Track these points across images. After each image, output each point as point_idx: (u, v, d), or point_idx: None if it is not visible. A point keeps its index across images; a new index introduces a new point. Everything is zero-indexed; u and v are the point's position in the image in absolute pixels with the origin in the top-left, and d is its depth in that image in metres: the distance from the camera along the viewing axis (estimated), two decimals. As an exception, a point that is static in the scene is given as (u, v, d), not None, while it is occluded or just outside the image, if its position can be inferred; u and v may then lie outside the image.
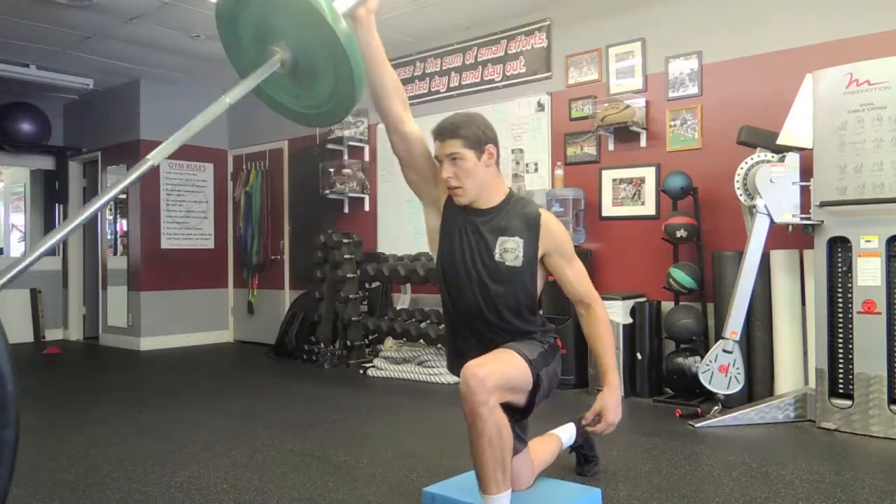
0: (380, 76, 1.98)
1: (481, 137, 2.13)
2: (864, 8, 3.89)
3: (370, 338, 5.87)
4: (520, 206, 2.19)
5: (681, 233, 4.22)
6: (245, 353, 6.84)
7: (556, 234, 2.16)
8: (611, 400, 2.13)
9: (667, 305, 4.41)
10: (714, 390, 3.66)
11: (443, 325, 5.05)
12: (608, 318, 2.22)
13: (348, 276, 5.78)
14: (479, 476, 1.98)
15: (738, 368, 3.63)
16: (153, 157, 1.47)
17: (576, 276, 2.18)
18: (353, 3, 1.80)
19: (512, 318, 2.14)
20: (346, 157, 6.43)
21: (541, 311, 2.27)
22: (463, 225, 2.18)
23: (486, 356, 2.03)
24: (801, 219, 3.61)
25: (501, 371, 1.96)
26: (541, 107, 5.18)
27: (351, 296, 5.78)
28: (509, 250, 2.12)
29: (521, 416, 2.16)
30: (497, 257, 2.13)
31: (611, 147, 4.87)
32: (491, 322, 2.15)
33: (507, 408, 2.00)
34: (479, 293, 2.14)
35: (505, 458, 1.95)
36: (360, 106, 6.32)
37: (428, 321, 5.25)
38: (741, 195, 3.82)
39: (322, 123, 1.96)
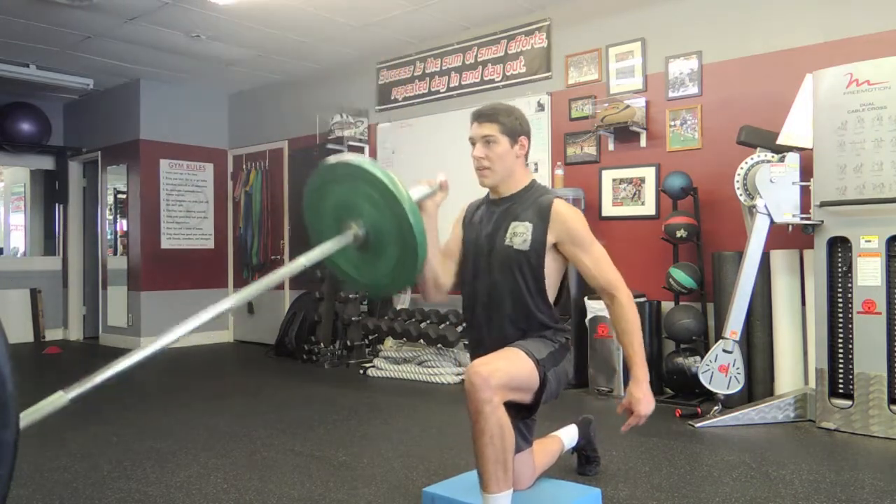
0: (432, 254, 2.14)
1: (517, 128, 2.19)
2: (864, 8, 3.90)
3: (370, 338, 5.87)
4: (537, 195, 2.21)
5: (681, 233, 4.22)
6: (245, 353, 6.84)
7: (568, 223, 2.12)
8: (637, 393, 2.09)
9: (667, 305, 4.41)
10: (714, 390, 3.66)
11: (442, 325, 5.06)
12: (633, 308, 2.13)
13: (348, 276, 5.77)
14: (480, 474, 1.98)
15: (738, 368, 3.63)
16: (227, 302, 1.66)
17: (594, 265, 2.12)
18: (422, 195, 2.05)
19: (519, 305, 2.15)
20: (346, 157, 6.42)
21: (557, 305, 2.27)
22: (481, 217, 2.27)
23: (492, 354, 2.05)
24: (801, 219, 3.61)
25: (506, 370, 1.97)
26: (541, 107, 5.18)
27: (351, 296, 5.77)
28: (518, 234, 2.15)
29: (525, 415, 2.16)
30: (507, 241, 2.16)
31: (611, 147, 4.87)
32: (501, 308, 2.17)
33: (512, 406, 2.01)
34: (489, 276, 2.19)
35: (506, 458, 1.95)
36: (361, 107, 6.34)
37: (428, 321, 5.25)
38: (741, 195, 3.82)
39: (375, 294, 2.19)
